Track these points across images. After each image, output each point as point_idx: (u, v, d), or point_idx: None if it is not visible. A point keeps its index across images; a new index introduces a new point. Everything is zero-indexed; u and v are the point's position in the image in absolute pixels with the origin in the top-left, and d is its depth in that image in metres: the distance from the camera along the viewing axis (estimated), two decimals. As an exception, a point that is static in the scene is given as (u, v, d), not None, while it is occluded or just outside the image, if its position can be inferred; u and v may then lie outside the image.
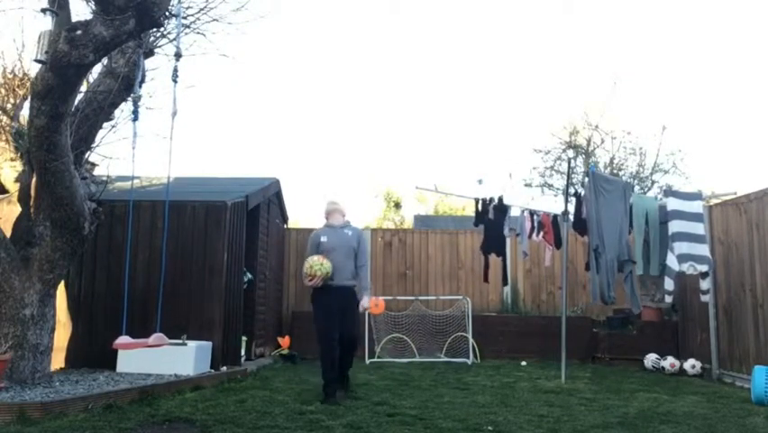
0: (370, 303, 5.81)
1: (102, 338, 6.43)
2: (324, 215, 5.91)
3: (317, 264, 5.40)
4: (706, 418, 4.84)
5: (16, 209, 5.80)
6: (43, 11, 4.67)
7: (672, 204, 7.13)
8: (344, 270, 5.52)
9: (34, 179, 5.39)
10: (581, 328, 9.03)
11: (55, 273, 5.40)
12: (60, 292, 6.18)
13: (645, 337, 8.57)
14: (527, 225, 8.18)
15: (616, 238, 6.98)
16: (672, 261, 6.93)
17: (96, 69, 5.65)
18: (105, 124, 5.99)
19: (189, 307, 6.74)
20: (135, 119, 4.86)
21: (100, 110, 5.72)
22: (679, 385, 6.83)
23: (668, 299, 7.24)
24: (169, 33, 5.91)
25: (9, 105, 6.15)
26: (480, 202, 8.18)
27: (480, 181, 8.77)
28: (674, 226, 7.01)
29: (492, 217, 8.11)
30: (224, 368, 6.68)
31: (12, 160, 5.91)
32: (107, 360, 6.25)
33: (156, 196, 6.86)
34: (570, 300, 9.11)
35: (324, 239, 5.63)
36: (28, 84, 5.80)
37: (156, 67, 6.18)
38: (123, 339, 4.51)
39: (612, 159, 13.72)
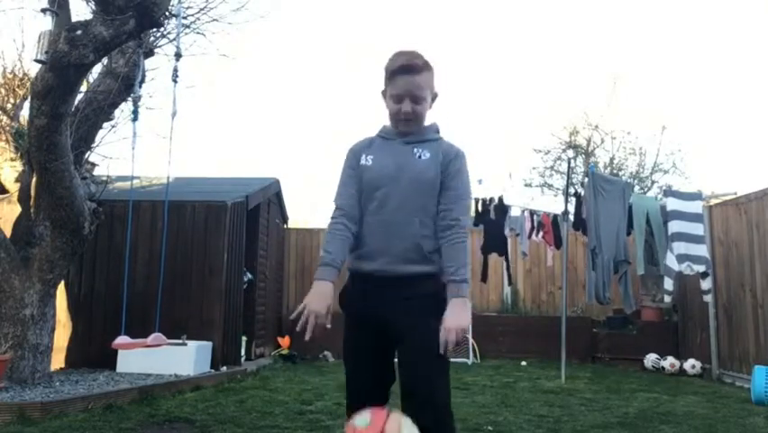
0: (456, 330, 2.11)
1: (102, 338, 6.42)
2: (384, 87, 2.38)
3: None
4: (706, 418, 4.84)
5: (16, 209, 5.80)
6: (43, 11, 4.67)
7: (672, 204, 7.12)
8: (403, 236, 2.25)
9: (34, 179, 5.38)
10: (581, 328, 9.02)
11: (55, 273, 5.39)
12: (60, 292, 6.17)
13: (645, 337, 8.56)
14: (527, 225, 8.19)
15: (613, 239, 6.98)
16: (671, 261, 6.94)
17: (96, 69, 5.65)
18: (105, 124, 5.99)
19: (189, 307, 6.74)
20: (135, 119, 4.88)
21: (100, 110, 5.72)
22: (679, 385, 6.83)
23: (667, 299, 7.24)
24: (169, 33, 5.91)
25: (9, 105, 6.15)
26: (481, 202, 8.18)
27: (479, 181, 8.74)
28: (674, 227, 7.01)
29: (493, 217, 8.12)
30: (224, 368, 6.68)
31: (12, 160, 5.90)
32: (107, 360, 6.25)
33: (156, 196, 6.86)
34: (570, 300, 9.09)
35: (366, 161, 2.38)
36: (28, 84, 5.80)
37: (156, 67, 6.17)
38: (122, 339, 4.52)
39: (612, 159, 13.76)
